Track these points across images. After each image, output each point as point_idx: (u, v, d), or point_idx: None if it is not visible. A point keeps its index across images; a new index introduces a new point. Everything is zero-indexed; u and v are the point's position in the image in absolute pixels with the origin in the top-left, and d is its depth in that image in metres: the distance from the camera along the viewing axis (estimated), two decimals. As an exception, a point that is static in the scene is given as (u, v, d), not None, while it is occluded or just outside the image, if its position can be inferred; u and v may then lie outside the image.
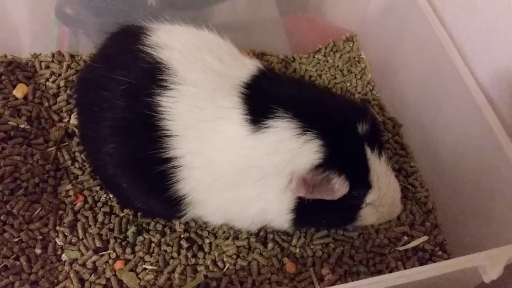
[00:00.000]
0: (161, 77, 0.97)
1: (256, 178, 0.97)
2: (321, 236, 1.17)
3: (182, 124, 0.97)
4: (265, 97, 0.99)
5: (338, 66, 1.51)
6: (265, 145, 0.94)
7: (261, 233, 1.17)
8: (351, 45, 1.55)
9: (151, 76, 0.98)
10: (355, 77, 1.50)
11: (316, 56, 1.55)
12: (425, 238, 1.17)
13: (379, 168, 0.98)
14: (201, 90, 0.98)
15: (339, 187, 0.92)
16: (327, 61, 1.53)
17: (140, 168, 1.02)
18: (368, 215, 1.02)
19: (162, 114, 0.96)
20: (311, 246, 1.16)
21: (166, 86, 0.97)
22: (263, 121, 0.95)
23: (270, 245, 1.15)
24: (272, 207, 0.99)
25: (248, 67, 1.06)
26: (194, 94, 0.97)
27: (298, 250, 1.15)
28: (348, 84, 1.49)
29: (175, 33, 1.07)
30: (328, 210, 0.99)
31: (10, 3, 1.36)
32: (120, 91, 0.98)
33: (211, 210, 1.06)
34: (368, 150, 0.96)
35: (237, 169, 0.97)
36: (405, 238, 1.18)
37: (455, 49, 1.14)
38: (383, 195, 1.00)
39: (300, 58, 1.56)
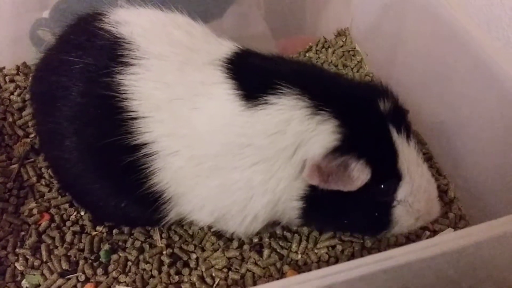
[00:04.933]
0: (121, 53, 0.85)
1: (254, 159, 0.82)
2: (326, 238, 0.99)
3: (149, 103, 0.84)
4: (261, 72, 0.88)
5: (332, 61, 1.39)
6: (266, 123, 0.81)
7: (255, 240, 1.00)
8: (344, 39, 1.44)
9: (110, 53, 0.86)
10: (352, 70, 1.37)
11: (307, 55, 1.43)
12: (450, 230, 1.00)
13: (409, 154, 0.83)
14: (167, 63, 0.86)
15: (357, 174, 0.77)
16: (319, 58, 1.41)
17: (105, 162, 0.87)
18: (403, 216, 0.85)
19: (124, 94, 0.83)
20: (315, 251, 0.98)
21: (127, 62, 0.85)
22: (261, 96, 0.82)
23: (266, 252, 0.98)
24: (283, 196, 0.85)
25: (226, 44, 0.95)
26: (159, 68, 0.85)
27: (300, 256, 0.98)
28: (345, 79, 1.35)
29: (138, 12, 0.96)
30: (351, 209, 0.84)
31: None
32: (76, 74, 0.86)
33: (197, 204, 0.90)
34: (393, 132, 0.81)
35: (228, 149, 0.83)
36: (427, 233, 1.00)
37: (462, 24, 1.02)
38: (417, 187, 0.83)
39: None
